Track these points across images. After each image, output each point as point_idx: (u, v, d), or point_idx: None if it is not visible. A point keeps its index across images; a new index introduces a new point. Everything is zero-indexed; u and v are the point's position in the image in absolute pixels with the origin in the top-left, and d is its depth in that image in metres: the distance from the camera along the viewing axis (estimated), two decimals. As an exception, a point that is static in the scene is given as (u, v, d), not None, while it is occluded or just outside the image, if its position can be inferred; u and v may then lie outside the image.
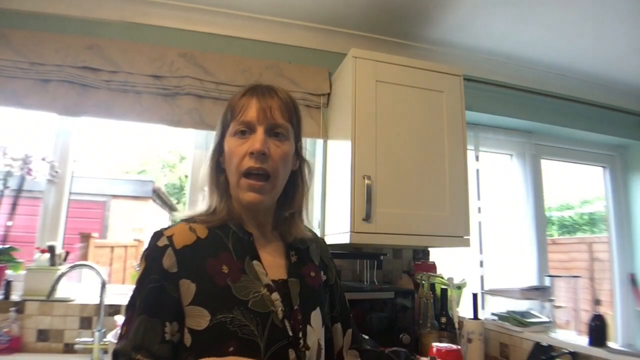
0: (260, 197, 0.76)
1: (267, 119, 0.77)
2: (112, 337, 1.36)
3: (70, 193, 1.77)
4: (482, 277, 2.14)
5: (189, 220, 0.78)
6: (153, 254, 0.71)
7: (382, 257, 1.73)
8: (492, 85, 2.16)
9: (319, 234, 1.00)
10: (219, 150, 0.81)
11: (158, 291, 0.68)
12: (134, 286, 0.72)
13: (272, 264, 0.79)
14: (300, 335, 0.74)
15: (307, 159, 0.90)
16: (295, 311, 0.75)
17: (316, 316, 0.79)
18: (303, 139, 2.20)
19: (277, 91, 0.81)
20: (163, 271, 0.69)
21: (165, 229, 0.75)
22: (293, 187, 0.85)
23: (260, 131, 0.76)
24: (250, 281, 0.73)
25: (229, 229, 0.78)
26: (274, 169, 0.76)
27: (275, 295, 0.73)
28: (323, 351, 0.79)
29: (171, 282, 0.69)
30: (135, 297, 0.70)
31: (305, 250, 0.87)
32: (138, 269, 0.74)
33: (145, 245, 0.75)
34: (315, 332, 0.77)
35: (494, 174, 2.33)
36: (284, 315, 0.72)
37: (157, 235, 0.74)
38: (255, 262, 0.76)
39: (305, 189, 0.87)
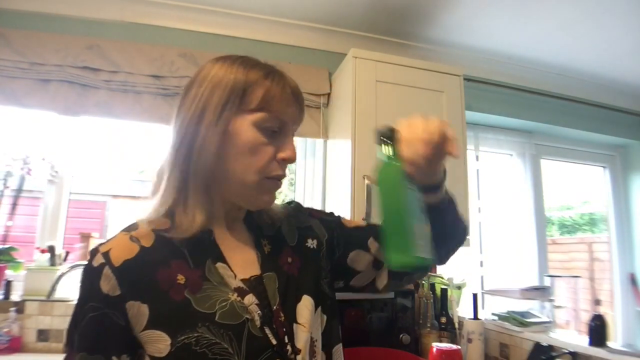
0: (274, 200, 0.69)
1: (299, 123, 0.69)
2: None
3: (70, 193, 1.77)
4: (482, 277, 2.14)
5: (131, 228, 0.63)
6: (88, 278, 0.59)
7: (382, 257, 1.72)
8: (492, 85, 2.16)
9: (296, 201, 0.86)
10: (214, 133, 0.62)
11: (98, 321, 0.57)
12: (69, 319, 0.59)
13: (241, 261, 0.66)
14: (287, 340, 0.62)
15: None
16: (275, 312, 0.63)
17: (304, 307, 0.67)
18: (303, 139, 2.19)
19: (296, 83, 0.70)
20: (102, 296, 0.57)
21: (103, 244, 0.61)
22: None
23: (292, 136, 0.67)
24: (215, 288, 0.60)
25: None
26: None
27: (250, 299, 0.61)
28: (319, 342, 0.67)
29: (114, 307, 0.57)
30: (72, 332, 0.58)
31: (276, 235, 0.73)
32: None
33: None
34: (305, 328, 0.65)
35: (494, 174, 2.33)
36: (262, 321, 0.61)
37: (92, 253, 0.60)
38: (219, 264, 0.63)
39: None
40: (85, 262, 0.60)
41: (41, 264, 1.56)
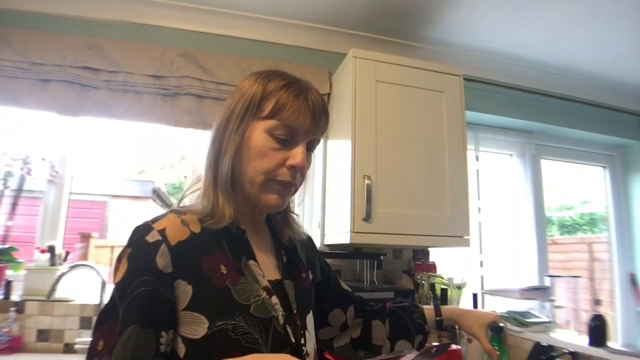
0: (283, 203, 0.71)
1: (314, 134, 0.71)
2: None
3: (70, 193, 1.77)
4: (482, 277, 2.14)
5: (179, 212, 0.67)
6: (142, 252, 0.60)
7: (382, 257, 1.73)
8: (492, 85, 2.16)
9: (319, 234, 0.98)
10: (235, 138, 0.68)
11: (152, 296, 0.58)
12: (111, 293, 0.61)
13: (266, 263, 0.73)
14: (302, 341, 0.69)
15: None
16: (295, 315, 0.70)
17: (310, 320, 0.75)
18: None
19: (321, 97, 0.74)
20: (157, 272, 0.59)
21: (153, 221, 0.64)
22: None
23: (303, 146, 0.69)
24: (249, 284, 0.66)
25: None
26: (300, 182, 0.73)
27: (275, 299, 0.68)
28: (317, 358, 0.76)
29: (166, 284, 0.60)
30: (116, 305, 0.58)
31: (293, 250, 0.82)
32: (116, 270, 0.62)
33: (127, 241, 0.63)
34: (311, 337, 0.73)
35: (494, 174, 2.33)
36: (284, 320, 0.67)
37: (144, 229, 0.62)
38: (251, 262, 0.69)
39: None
40: (135, 238, 0.62)
41: (41, 264, 1.56)
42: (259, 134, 0.68)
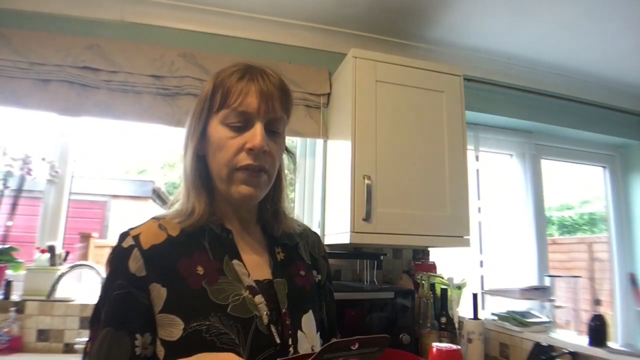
0: (256, 191, 0.68)
1: (269, 113, 0.67)
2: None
3: (70, 193, 1.77)
4: (482, 277, 2.14)
5: (159, 218, 0.69)
6: (118, 257, 0.63)
7: (382, 257, 1.73)
8: (492, 85, 2.16)
9: (319, 234, 0.91)
10: (201, 137, 0.70)
11: (125, 298, 0.60)
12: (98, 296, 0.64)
13: (255, 263, 0.71)
14: (291, 342, 0.65)
15: (291, 150, 0.81)
16: (283, 315, 0.66)
17: (308, 320, 0.71)
18: (303, 139, 2.19)
19: (276, 77, 0.71)
20: (130, 275, 0.61)
21: (133, 228, 0.67)
22: (278, 180, 0.77)
23: (259, 126, 0.66)
24: (230, 283, 0.64)
25: (205, 227, 0.69)
26: (272, 165, 0.69)
27: (260, 298, 0.65)
28: None
29: (140, 287, 0.61)
30: (99, 308, 0.62)
31: (293, 247, 0.79)
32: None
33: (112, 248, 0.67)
34: (308, 339, 0.69)
35: (494, 174, 2.33)
36: (269, 320, 0.64)
37: (123, 235, 0.65)
38: (235, 261, 0.68)
39: (286, 181, 0.79)
40: (116, 244, 0.65)
41: (41, 264, 1.56)
42: (215, 127, 0.68)
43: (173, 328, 0.60)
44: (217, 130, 0.68)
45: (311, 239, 0.85)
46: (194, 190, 0.69)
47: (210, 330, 0.60)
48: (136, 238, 0.64)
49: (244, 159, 0.66)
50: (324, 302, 0.83)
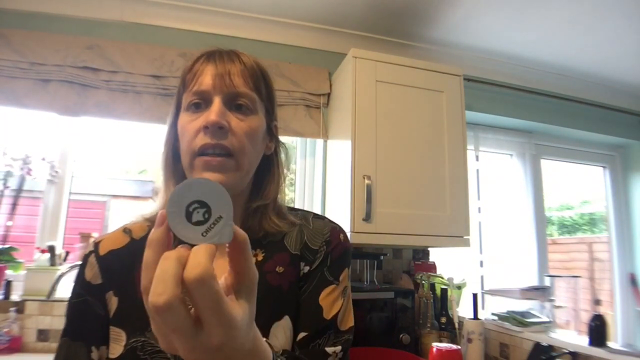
0: (221, 176, 0.57)
1: (226, 87, 0.60)
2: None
3: (70, 193, 1.77)
4: (482, 277, 2.14)
5: (130, 222, 0.65)
6: (80, 264, 0.61)
7: (382, 257, 1.73)
8: (492, 85, 2.16)
9: (341, 228, 0.73)
10: (174, 133, 0.64)
11: (79, 308, 0.57)
12: None
13: (225, 267, 0.54)
14: None
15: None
16: None
17: (281, 328, 0.59)
18: (303, 139, 2.16)
19: (240, 55, 0.64)
20: (85, 283, 0.58)
21: (102, 235, 0.63)
22: (268, 174, 0.68)
23: (217, 101, 0.59)
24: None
25: None
26: (238, 146, 0.59)
27: None
28: None
29: (96, 296, 0.57)
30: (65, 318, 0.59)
31: (278, 242, 0.66)
32: None
33: None
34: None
35: (494, 174, 2.33)
36: None
37: (91, 243, 0.63)
38: None
39: (282, 177, 0.70)
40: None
41: (41, 264, 1.56)
42: (180, 116, 0.63)
43: (116, 344, 0.55)
44: (181, 117, 0.62)
45: (314, 227, 0.69)
46: (165, 186, 0.64)
47: (145, 347, 0.53)
48: (97, 244, 0.61)
49: (202, 139, 0.58)
50: (307, 291, 0.65)
